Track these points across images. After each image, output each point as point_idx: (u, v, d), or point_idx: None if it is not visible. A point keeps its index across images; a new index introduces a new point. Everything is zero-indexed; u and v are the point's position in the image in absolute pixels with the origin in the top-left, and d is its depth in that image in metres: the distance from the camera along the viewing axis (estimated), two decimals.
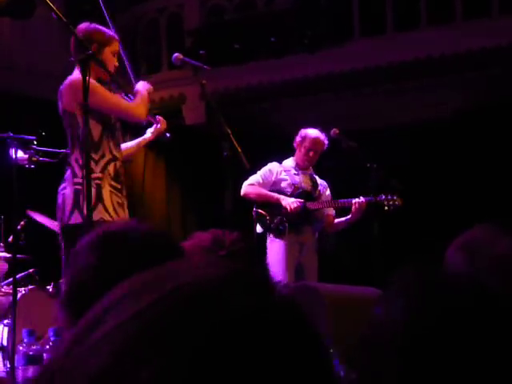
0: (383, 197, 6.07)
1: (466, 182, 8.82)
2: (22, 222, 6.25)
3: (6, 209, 5.47)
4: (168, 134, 5.07)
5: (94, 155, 4.50)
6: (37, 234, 6.25)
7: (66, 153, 5.44)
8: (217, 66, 7.89)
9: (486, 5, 8.75)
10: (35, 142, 5.43)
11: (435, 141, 9.08)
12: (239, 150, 4.58)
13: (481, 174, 8.76)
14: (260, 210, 6.23)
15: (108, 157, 4.59)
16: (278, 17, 9.37)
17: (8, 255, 6.05)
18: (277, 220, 6.15)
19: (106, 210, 4.50)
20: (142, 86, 4.79)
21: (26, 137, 5.36)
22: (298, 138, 6.27)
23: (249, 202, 6.21)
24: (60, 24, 3.73)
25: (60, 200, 4.52)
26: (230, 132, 4.67)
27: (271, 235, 6.19)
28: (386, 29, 9.22)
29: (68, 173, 4.54)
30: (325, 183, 6.45)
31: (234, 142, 4.60)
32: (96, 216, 4.38)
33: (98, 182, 4.49)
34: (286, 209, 6.09)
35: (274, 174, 6.29)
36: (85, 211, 4.35)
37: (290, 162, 6.38)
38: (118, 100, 4.61)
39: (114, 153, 4.62)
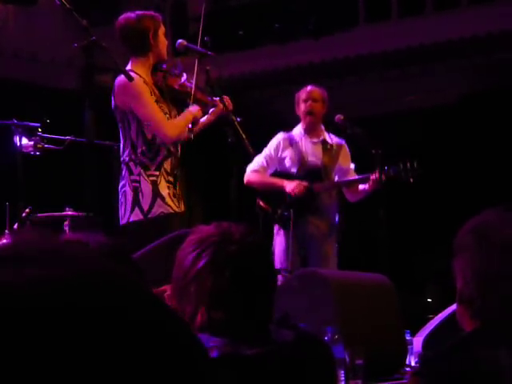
0: (396, 170, 5.62)
1: (474, 166, 8.80)
2: (27, 210, 6.25)
3: (12, 196, 5.47)
4: (238, 118, 4.65)
5: (148, 153, 4.50)
6: (42, 221, 6.25)
7: (72, 140, 5.45)
8: (221, 52, 7.86)
9: None
10: (40, 129, 5.42)
11: (442, 126, 9.05)
12: (243, 136, 4.57)
13: (489, 158, 8.73)
14: (261, 203, 5.79)
15: (163, 153, 4.55)
16: (283, 2, 9.34)
17: None
18: (281, 210, 5.67)
19: (166, 203, 4.50)
20: (191, 107, 4.64)
21: (31, 124, 5.34)
22: (296, 104, 5.92)
23: (254, 189, 6.01)
24: (64, 11, 3.72)
25: (122, 198, 4.54)
26: (234, 118, 4.65)
27: (276, 226, 5.76)
28: (391, 14, 9.18)
29: (124, 170, 4.54)
30: (342, 142, 5.94)
31: (239, 129, 4.59)
32: (156, 211, 4.46)
33: (153, 178, 4.49)
34: (290, 195, 5.61)
35: (280, 151, 5.83)
36: (144, 207, 4.41)
37: (297, 130, 5.91)
38: (153, 111, 4.49)
39: (170, 148, 4.59)
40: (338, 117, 5.77)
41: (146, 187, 4.47)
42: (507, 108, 8.62)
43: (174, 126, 4.54)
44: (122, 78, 4.41)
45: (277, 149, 5.85)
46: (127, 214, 4.49)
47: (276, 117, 9.44)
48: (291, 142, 5.82)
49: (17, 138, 5.20)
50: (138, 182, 4.47)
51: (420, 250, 9.23)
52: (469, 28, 8.51)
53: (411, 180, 5.66)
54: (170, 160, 4.57)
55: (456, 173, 8.89)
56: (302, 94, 5.86)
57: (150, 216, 4.45)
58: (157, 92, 4.59)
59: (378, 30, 9.01)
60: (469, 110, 8.90)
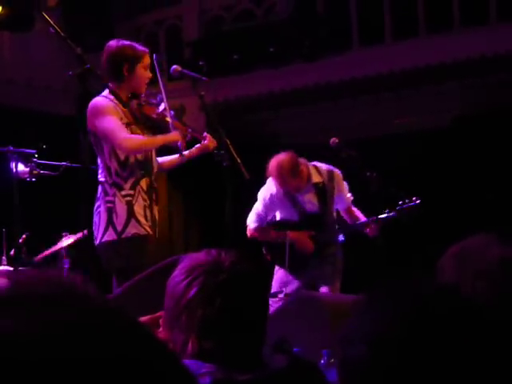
0: (395, 213, 5.63)
1: (466, 189, 8.81)
2: (24, 236, 6.26)
3: (8, 222, 5.48)
4: (222, 151, 4.65)
5: (122, 173, 4.53)
6: (38, 247, 6.26)
7: (67, 165, 5.47)
8: (216, 76, 7.90)
9: (484, 13, 8.76)
10: (36, 156, 5.44)
11: (435, 148, 9.08)
12: (238, 160, 4.59)
13: (482, 180, 8.75)
14: (267, 256, 5.82)
15: (139, 173, 4.57)
16: (277, 27, 9.39)
17: (10, 268, 6.06)
18: (289, 260, 5.60)
19: (140, 225, 4.52)
20: (173, 134, 4.65)
21: (27, 150, 5.37)
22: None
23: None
24: (58, 38, 3.74)
25: (96, 218, 4.56)
26: (229, 142, 4.67)
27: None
28: (385, 37, 9.24)
29: (100, 191, 4.58)
30: (331, 169, 5.76)
31: (234, 153, 4.61)
32: (130, 231, 4.48)
33: (128, 198, 4.51)
34: (296, 246, 5.63)
35: (275, 199, 5.73)
36: (118, 228, 4.43)
37: None
38: (110, 122, 4.46)
39: (146, 167, 4.62)
40: (333, 140, 5.79)
41: (121, 208, 4.50)
42: (500, 131, 8.66)
43: (134, 138, 4.52)
44: (92, 102, 4.44)
45: (271, 197, 5.75)
46: (100, 234, 4.51)
47: (271, 140, 9.47)
48: (285, 191, 5.70)
49: (13, 165, 5.22)
50: (113, 202, 4.51)
51: (416, 272, 9.21)
52: (462, 50, 8.57)
53: (410, 220, 5.69)
54: (146, 179, 4.59)
55: (450, 195, 8.90)
56: (279, 183, 5.60)
57: (123, 236, 4.47)
58: (130, 116, 4.59)
59: (371, 53, 9.06)
60: (462, 133, 8.93)
